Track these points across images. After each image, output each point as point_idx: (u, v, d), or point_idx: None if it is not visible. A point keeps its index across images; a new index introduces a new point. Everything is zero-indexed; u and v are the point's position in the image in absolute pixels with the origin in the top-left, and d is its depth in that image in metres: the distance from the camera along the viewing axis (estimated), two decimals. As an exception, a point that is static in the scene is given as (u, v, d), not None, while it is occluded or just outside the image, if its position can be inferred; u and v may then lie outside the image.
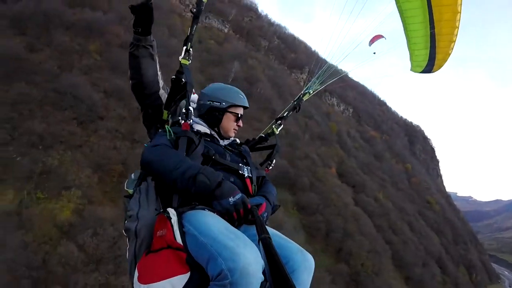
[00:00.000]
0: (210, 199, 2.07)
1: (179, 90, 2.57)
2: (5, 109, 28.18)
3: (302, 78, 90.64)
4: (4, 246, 20.54)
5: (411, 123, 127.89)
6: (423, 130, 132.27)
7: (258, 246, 1.72)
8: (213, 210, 2.07)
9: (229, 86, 2.82)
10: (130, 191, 2.37)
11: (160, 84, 2.70)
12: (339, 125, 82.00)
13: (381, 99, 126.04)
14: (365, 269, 41.54)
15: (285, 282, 1.41)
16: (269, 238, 1.67)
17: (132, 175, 2.50)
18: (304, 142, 62.03)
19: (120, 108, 34.65)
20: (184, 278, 1.77)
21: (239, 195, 2.07)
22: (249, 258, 1.67)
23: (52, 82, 32.35)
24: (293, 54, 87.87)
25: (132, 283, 1.97)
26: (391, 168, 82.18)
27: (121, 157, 30.86)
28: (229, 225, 1.93)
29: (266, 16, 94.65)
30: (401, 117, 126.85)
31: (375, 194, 62.74)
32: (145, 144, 2.41)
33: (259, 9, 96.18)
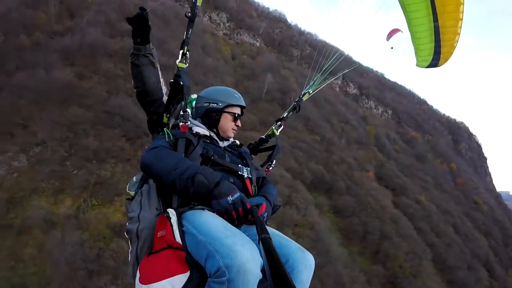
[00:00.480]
0: (209, 199, 2.05)
1: (177, 93, 2.57)
2: (62, 130, 32.46)
3: (337, 83, 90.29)
4: (64, 243, 23.84)
5: (454, 120, 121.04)
6: (467, 127, 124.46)
7: (258, 246, 1.71)
8: (212, 210, 2.05)
9: (225, 87, 2.86)
10: (132, 193, 2.38)
11: (163, 91, 2.74)
12: (377, 128, 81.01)
13: (421, 97, 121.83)
14: (403, 270, 40.83)
15: (285, 281, 1.40)
16: (269, 238, 1.66)
17: (134, 178, 2.52)
18: (340, 147, 62.26)
19: (162, 125, 37.76)
20: (184, 277, 1.78)
21: (237, 194, 2.04)
22: (246, 255, 1.66)
23: (102, 105, 36.26)
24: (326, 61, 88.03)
25: (135, 285, 1.98)
26: (434, 169, 79.35)
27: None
28: (227, 224, 1.92)
29: (296, 25, 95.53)
30: (444, 114, 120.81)
31: (417, 197, 61.02)
32: (145, 147, 2.40)
33: (288, 20, 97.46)
